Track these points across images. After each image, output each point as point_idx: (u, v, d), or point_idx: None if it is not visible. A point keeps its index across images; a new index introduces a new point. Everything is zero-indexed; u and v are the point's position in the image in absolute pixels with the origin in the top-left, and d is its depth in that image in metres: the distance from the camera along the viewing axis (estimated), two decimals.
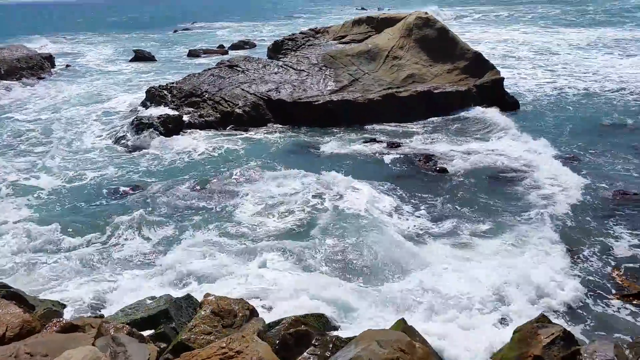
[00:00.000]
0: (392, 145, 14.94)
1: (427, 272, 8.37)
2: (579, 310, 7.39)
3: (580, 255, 8.82)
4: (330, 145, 15.21)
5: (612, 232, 9.57)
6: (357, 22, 23.26)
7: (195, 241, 9.61)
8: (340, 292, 7.81)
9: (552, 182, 11.93)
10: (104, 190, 12.29)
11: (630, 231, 9.54)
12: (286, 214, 10.69)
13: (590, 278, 8.16)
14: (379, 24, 22.07)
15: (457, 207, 10.91)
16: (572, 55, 29.82)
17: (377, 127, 16.83)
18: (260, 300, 7.70)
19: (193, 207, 11.17)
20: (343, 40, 22.45)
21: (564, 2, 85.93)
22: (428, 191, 11.72)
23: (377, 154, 14.41)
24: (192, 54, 35.89)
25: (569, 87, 21.81)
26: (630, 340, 5.97)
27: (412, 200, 11.27)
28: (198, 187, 12.18)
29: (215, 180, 12.66)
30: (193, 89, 18.43)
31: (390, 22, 21.78)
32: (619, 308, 7.41)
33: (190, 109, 17.46)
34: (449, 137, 15.72)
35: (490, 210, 10.67)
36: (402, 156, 14.08)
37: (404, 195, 11.54)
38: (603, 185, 11.63)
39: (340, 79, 18.74)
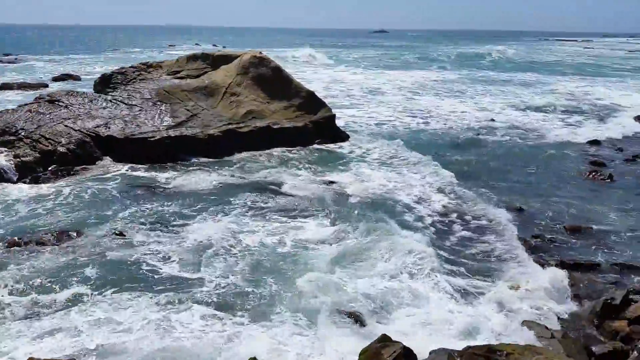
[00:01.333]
0: (243, 178, 14.88)
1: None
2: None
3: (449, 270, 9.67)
4: (180, 181, 14.59)
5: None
6: (192, 58, 22.97)
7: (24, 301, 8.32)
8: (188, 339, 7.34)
9: (417, 204, 13.10)
10: None
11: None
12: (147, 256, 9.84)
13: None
14: (215, 61, 22.07)
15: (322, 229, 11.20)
16: (401, 96, 32.82)
17: (218, 160, 16.61)
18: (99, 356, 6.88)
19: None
20: (178, 75, 21.93)
21: (383, 47, 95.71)
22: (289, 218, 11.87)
23: (231, 187, 14.18)
24: (4, 87, 32.06)
25: (401, 124, 23.94)
26: (460, 349, 6.54)
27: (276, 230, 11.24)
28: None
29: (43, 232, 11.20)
30: (6, 126, 16.32)
31: (225, 59, 21.94)
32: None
33: (4, 149, 15.40)
34: (293, 168, 16.17)
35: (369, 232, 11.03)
36: (254, 188, 14.07)
37: (266, 224, 11.51)
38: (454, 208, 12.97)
39: (177, 114, 18.21)
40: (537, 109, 29.05)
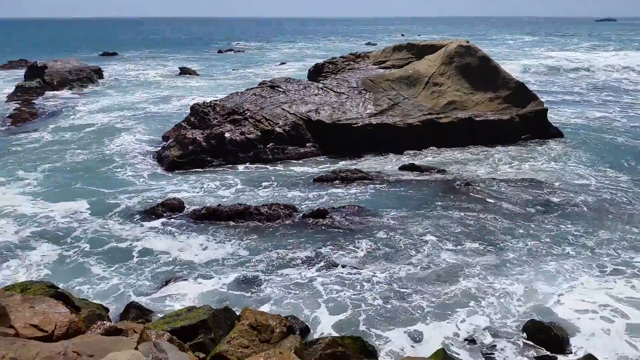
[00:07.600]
0: (441, 173, 14.90)
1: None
2: None
3: None
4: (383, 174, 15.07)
5: None
6: (398, 48, 23.42)
7: (234, 254, 9.76)
8: (378, 317, 7.75)
9: None
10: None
11: None
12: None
13: None
14: (420, 51, 22.17)
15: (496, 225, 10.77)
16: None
17: (417, 153, 16.82)
18: (298, 318, 7.70)
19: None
20: (383, 65, 22.62)
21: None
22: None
23: (422, 182, 14.34)
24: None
25: (610, 117, 21.06)
26: None
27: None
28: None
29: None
30: (235, 107, 18.82)
31: (431, 49, 21.86)
32: None
33: (232, 126, 17.81)
34: (492, 165, 15.58)
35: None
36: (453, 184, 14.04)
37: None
38: None
39: (379, 102, 18.84)
40: None
